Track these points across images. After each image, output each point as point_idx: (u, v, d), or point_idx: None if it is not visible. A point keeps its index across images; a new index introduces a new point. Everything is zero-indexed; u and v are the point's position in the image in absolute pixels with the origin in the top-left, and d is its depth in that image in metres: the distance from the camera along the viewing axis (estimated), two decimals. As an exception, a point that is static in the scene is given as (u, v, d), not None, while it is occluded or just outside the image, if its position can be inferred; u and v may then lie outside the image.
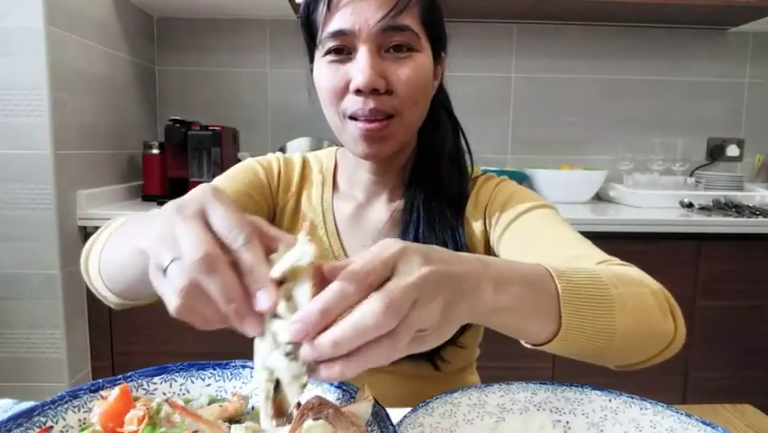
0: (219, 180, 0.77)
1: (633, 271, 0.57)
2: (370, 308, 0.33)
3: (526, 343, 0.50)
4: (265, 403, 0.37)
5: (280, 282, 0.36)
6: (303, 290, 0.36)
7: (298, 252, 0.36)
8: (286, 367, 0.35)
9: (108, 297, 0.63)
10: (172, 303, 0.35)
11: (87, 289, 1.66)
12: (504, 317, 0.44)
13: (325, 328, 0.34)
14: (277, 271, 0.36)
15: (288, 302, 0.36)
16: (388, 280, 0.35)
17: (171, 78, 2.09)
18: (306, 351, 0.34)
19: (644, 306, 0.53)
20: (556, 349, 0.49)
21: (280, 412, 0.37)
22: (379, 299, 0.34)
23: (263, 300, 0.35)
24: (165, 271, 0.35)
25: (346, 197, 0.81)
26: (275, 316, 0.36)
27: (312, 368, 0.35)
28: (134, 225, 0.56)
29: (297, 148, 1.84)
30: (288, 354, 0.35)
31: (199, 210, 0.37)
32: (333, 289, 0.34)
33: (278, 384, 0.37)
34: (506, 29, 2.11)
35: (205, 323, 0.36)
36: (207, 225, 0.36)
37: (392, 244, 0.38)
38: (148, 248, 0.37)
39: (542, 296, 0.47)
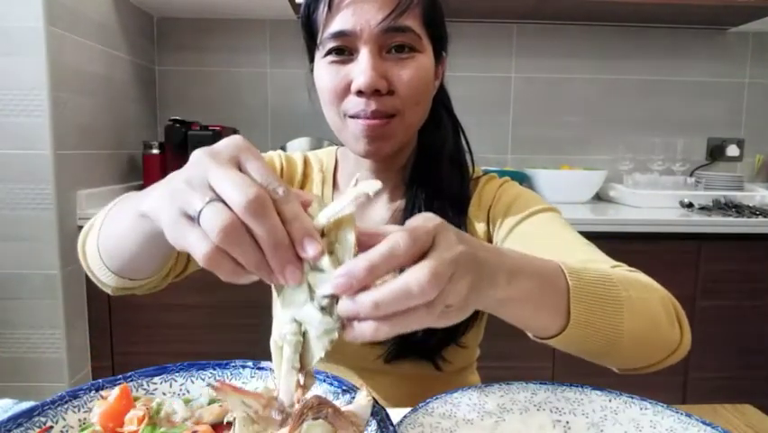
0: None
1: (642, 277, 0.58)
2: (416, 276, 0.34)
3: (534, 336, 0.50)
4: (293, 356, 0.37)
5: (321, 235, 0.36)
6: (348, 239, 0.36)
7: (343, 201, 0.36)
8: (319, 320, 0.35)
9: (106, 278, 0.62)
10: (205, 248, 0.33)
11: (87, 289, 1.66)
12: (513, 307, 0.45)
13: (366, 287, 0.34)
14: (323, 218, 0.36)
15: (330, 256, 0.36)
16: (428, 250, 0.36)
17: (171, 78, 2.09)
18: (345, 306, 0.34)
19: (652, 311, 0.53)
20: (562, 344, 0.49)
21: (302, 367, 0.37)
22: (425, 267, 0.34)
23: (311, 248, 0.35)
24: (198, 215, 0.34)
25: (347, 196, 0.80)
26: (312, 268, 0.36)
27: (345, 324, 0.35)
28: (133, 198, 0.56)
29: (297, 148, 1.84)
30: (322, 309, 0.35)
31: (234, 158, 0.36)
32: (382, 248, 0.34)
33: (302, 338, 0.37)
34: (506, 29, 2.11)
35: (234, 272, 0.35)
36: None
37: (432, 218, 0.39)
38: (159, 205, 0.36)
39: (552, 290, 0.47)
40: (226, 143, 0.38)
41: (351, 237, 0.36)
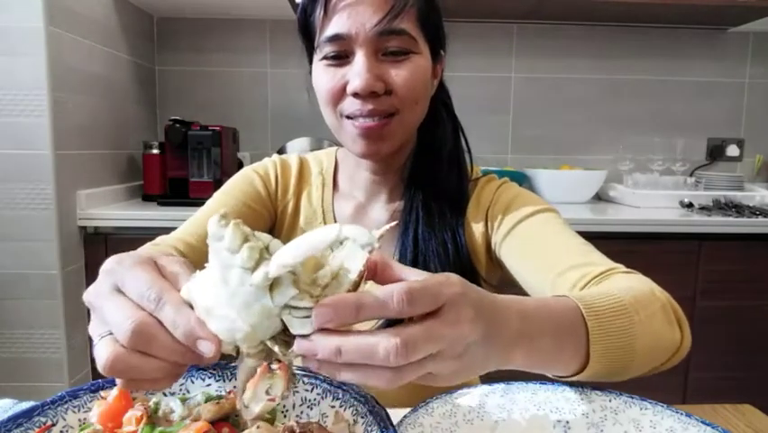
0: (220, 194, 0.79)
1: (643, 285, 0.57)
2: (385, 342, 0.32)
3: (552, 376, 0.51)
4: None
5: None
6: (348, 278, 0.34)
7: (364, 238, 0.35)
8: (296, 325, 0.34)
9: None
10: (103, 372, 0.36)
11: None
12: (531, 367, 0.45)
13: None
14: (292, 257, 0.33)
15: (306, 294, 0.34)
16: (431, 313, 0.34)
17: (171, 78, 2.09)
18: (306, 345, 0.33)
19: (657, 326, 0.53)
20: (578, 379, 0.49)
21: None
22: (398, 336, 0.32)
23: (206, 349, 0.34)
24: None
25: (346, 197, 0.81)
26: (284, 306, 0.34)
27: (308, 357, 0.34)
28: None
29: (297, 148, 1.84)
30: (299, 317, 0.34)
31: (113, 284, 0.38)
32: (377, 294, 0.33)
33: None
34: (506, 29, 2.11)
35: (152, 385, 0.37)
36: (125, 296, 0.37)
37: (454, 283, 0.36)
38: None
39: (571, 338, 0.47)
40: (102, 271, 0.39)
41: (352, 275, 0.34)
